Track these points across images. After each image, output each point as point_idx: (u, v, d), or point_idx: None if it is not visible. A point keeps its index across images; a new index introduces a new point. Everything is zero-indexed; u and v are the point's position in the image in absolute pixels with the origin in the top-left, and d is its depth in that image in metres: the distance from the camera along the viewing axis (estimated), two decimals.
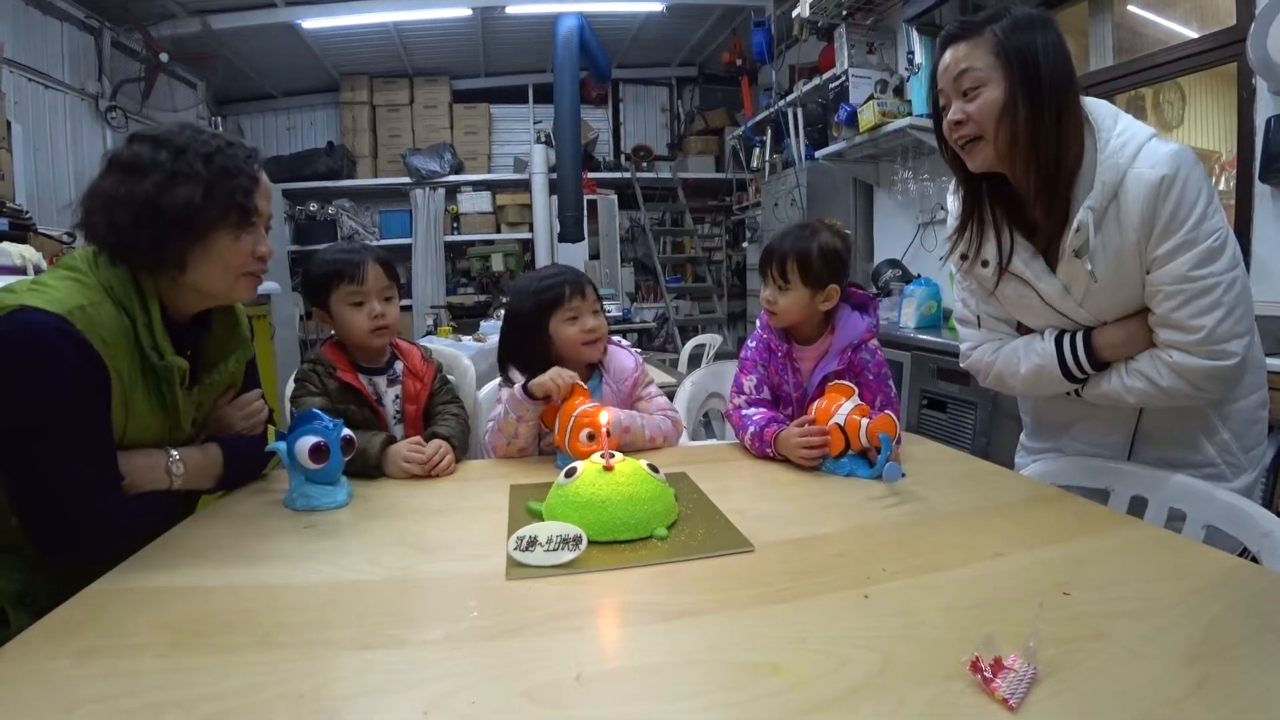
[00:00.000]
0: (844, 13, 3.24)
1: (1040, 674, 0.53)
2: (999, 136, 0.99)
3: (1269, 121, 1.85)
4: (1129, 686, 0.53)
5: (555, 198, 5.23)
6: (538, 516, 0.92)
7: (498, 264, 5.95)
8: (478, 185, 5.82)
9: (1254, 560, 0.87)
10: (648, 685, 0.55)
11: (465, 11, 4.48)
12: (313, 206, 5.34)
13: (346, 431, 1.03)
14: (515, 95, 6.07)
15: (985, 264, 1.12)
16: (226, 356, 1.05)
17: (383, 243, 5.59)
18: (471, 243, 5.92)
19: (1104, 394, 1.07)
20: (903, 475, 1.00)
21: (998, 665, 0.52)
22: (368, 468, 1.12)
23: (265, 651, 0.60)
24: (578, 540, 0.79)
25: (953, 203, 1.20)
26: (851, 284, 1.29)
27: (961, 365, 1.26)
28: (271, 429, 1.10)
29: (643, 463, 0.92)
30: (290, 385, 1.28)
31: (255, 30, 4.33)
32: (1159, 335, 1.00)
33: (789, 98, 4.20)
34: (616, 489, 0.85)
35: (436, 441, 1.19)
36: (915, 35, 2.80)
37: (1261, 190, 1.94)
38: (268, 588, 0.74)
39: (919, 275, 3.17)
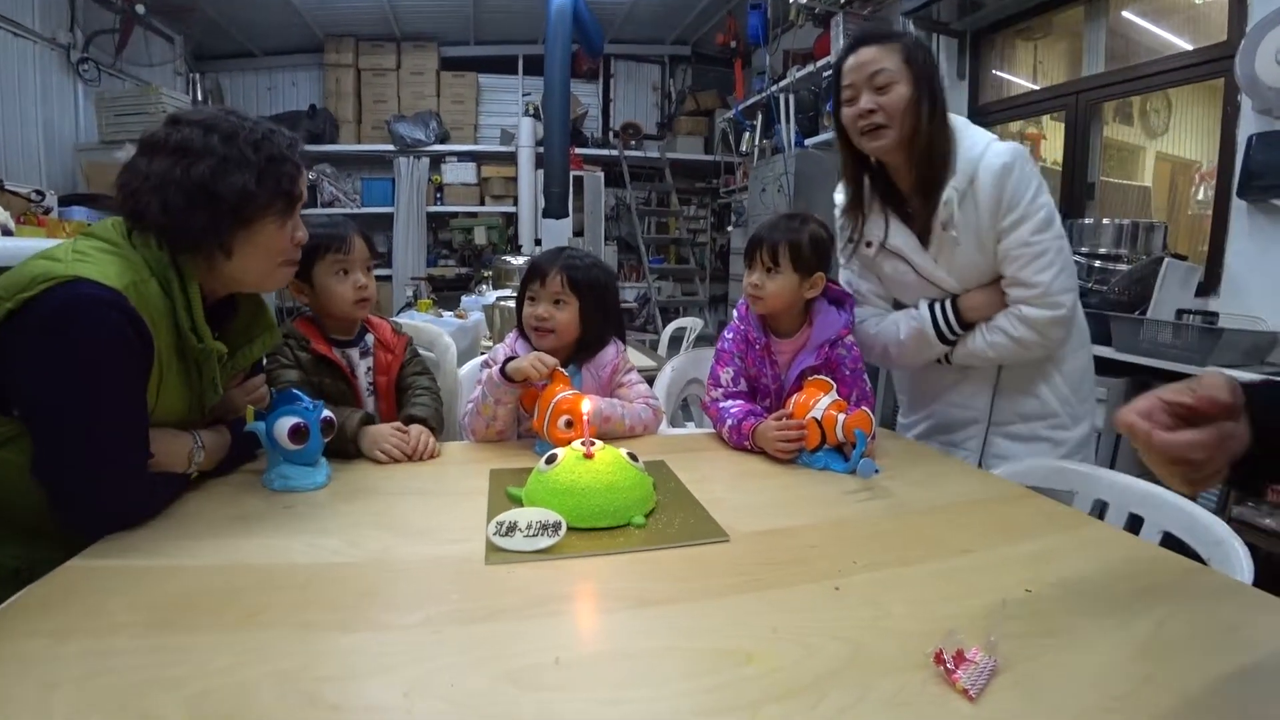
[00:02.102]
0: (842, 1, 3.22)
1: (999, 666, 0.56)
2: (904, 126, 1.19)
3: (1250, 139, 1.89)
4: (1080, 679, 0.56)
5: (541, 172, 5.17)
6: (517, 502, 0.93)
7: (480, 237, 5.88)
8: (463, 156, 5.73)
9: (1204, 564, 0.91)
10: (625, 670, 0.57)
11: None
12: None
13: (326, 413, 1.03)
14: (504, 66, 5.96)
15: (869, 244, 1.34)
16: (252, 340, 1.05)
17: (364, 211, 5.50)
18: (454, 214, 5.84)
19: (970, 353, 1.30)
20: (877, 471, 1.03)
21: (959, 658, 0.55)
22: (344, 444, 1.12)
23: (247, 632, 0.60)
24: (557, 527, 0.80)
25: (837, 196, 1.41)
26: (830, 281, 1.31)
27: (847, 339, 1.34)
28: (250, 409, 1.08)
29: (622, 451, 0.93)
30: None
31: None
32: (1009, 294, 1.24)
33: (782, 83, 4.19)
34: (596, 477, 0.86)
35: (418, 427, 1.19)
36: (912, 28, 2.79)
37: (1238, 205, 1.99)
38: (249, 568, 0.74)
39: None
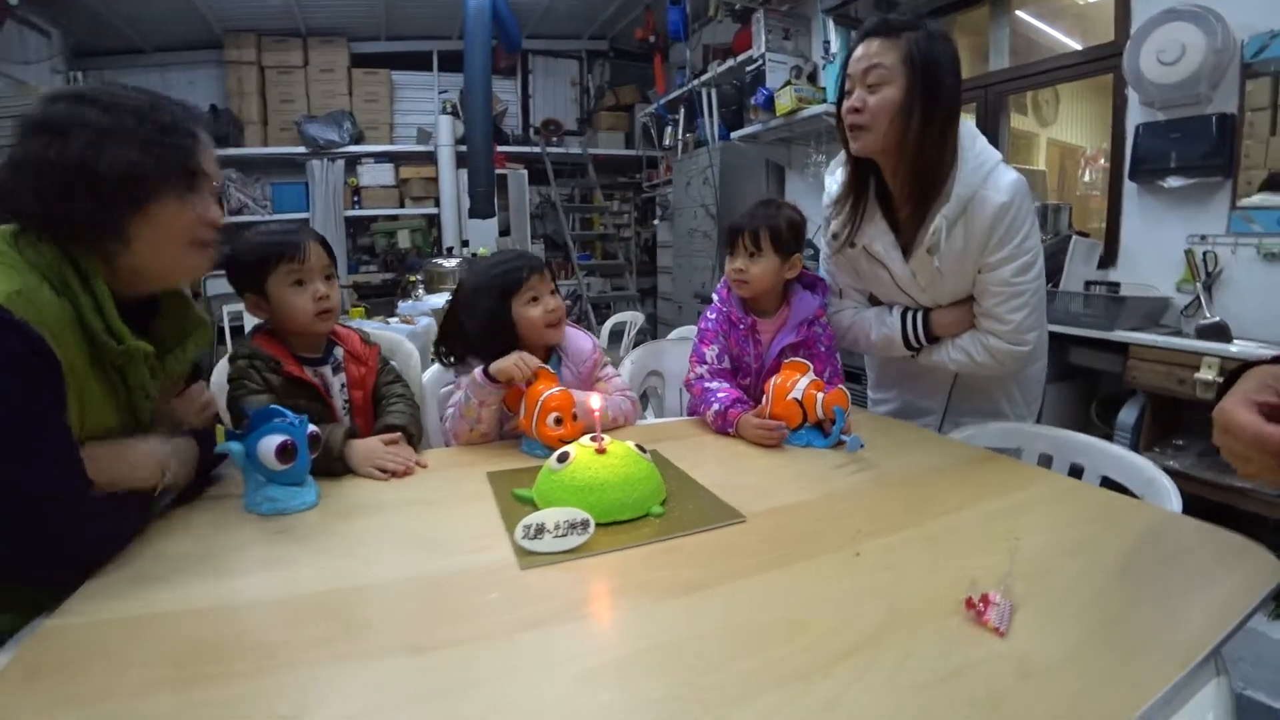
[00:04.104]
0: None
1: (1016, 605, 0.63)
2: (888, 132, 1.15)
3: (1138, 128, 2.12)
4: (1081, 608, 0.65)
5: (464, 171, 5.07)
6: (529, 503, 0.92)
7: (404, 240, 5.71)
8: (380, 157, 5.53)
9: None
10: (694, 654, 0.58)
11: None
12: None
13: (312, 427, 0.97)
14: (418, 62, 5.77)
15: (853, 245, 1.32)
16: (184, 340, 0.94)
17: (276, 217, 5.21)
18: (374, 218, 5.64)
19: (933, 360, 1.35)
20: (862, 446, 1.11)
21: (985, 601, 0.62)
22: (330, 463, 1.05)
23: (288, 673, 0.56)
24: (585, 524, 0.81)
25: (830, 182, 1.39)
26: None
27: (821, 319, 1.42)
28: (220, 428, 1.02)
29: (630, 443, 0.96)
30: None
31: None
32: (980, 322, 1.27)
33: (703, 77, 4.28)
34: (613, 471, 0.88)
35: (401, 442, 1.15)
36: (832, 25, 2.94)
37: (1130, 188, 2.23)
38: (261, 604, 0.68)
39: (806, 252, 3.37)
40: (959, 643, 0.58)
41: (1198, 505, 1.49)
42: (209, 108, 4.93)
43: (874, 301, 1.43)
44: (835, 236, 1.35)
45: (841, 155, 1.34)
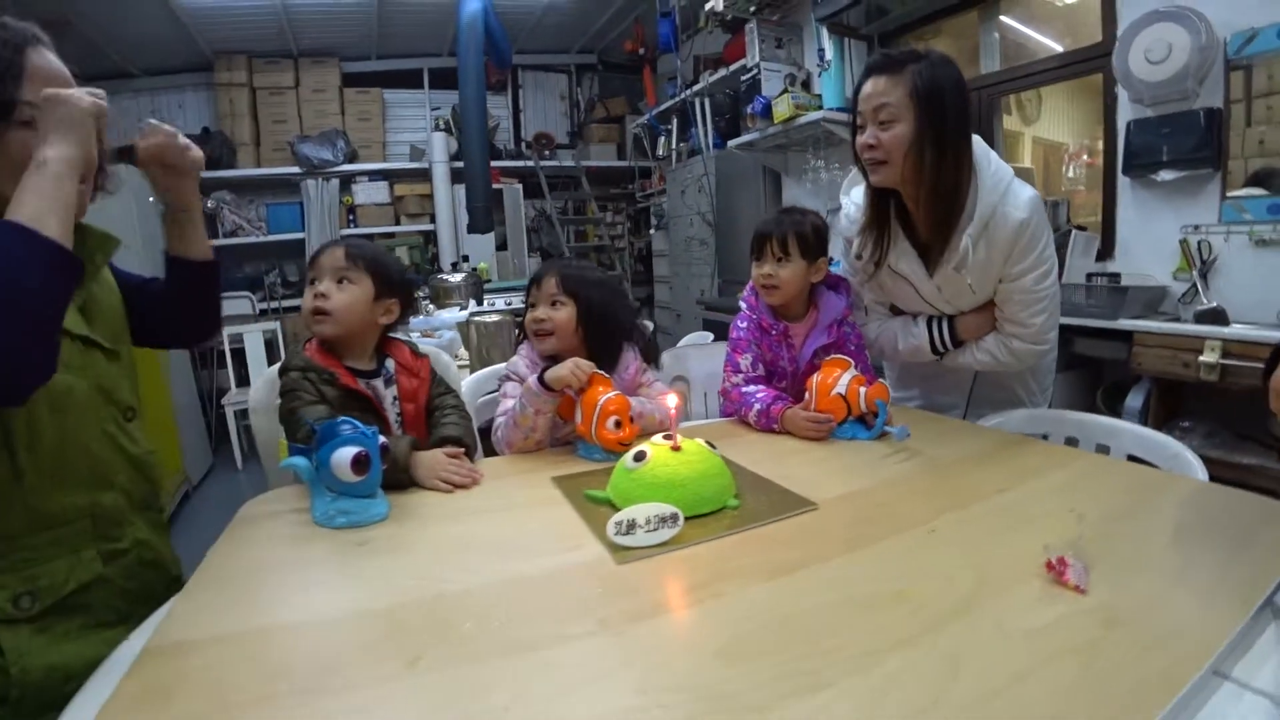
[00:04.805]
0: (752, 8, 3.43)
1: (1088, 566, 0.69)
2: (905, 165, 1.22)
3: (1129, 124, 2.23)
4: (1146, 565, 0.72)
5: (460, 187, 5.10)
6: (606, 504, 0.96)
7: (402, 257, 5.72)
8: (374, 175, 5.54)
9: None
10: (814, 626, 0.62)
11: None
12: None
13: (382, 439, 0.98)
14: (409, 80, 5.81)
15: (877, 265, 1.39)
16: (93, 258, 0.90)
17: (271, 239, 5.22)
18: (370, 236, 5.64)
19: (959, 363, 1.43)
20: (908, 435, 1.17)
21: (1063, 563, 0.68)
22: (396, 474, 1.04)
23: (396, 684, 0.56)
24: (674, 518, 0.84)
25: (848, 204, 1.46)
26: None
27: (850, 319, 1.48)
28: (282, 443, 1.04)
29: (700, 440, 1.01)
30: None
31: None
32: (1004, 327, 1.36)
33: (695, 88, 4.37)
34: (691, 466, 0.93)
35: (463, 455, 1.16)
36: (825, 33, 3.03)
37: (1123, 181, 2.33)
38: (356, 615, 0.68)
39: (831, 259, 3.46)
40: (1047, 600, 0.65)
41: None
42: (202, 130, 4.93)
43: (895, 311, 1.51)
44: (859, 258, 1.42)
45: (854, 174, 1.41)
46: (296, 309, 5.62)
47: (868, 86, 1.23)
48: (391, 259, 1.29)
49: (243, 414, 4.07)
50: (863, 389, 1.24)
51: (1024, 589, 0.67)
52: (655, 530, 0.84)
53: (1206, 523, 0.84)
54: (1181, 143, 2.09)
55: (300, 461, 0.94)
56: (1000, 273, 1.29)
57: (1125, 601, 0.64)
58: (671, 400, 1.06)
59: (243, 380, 4.41)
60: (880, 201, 1.35)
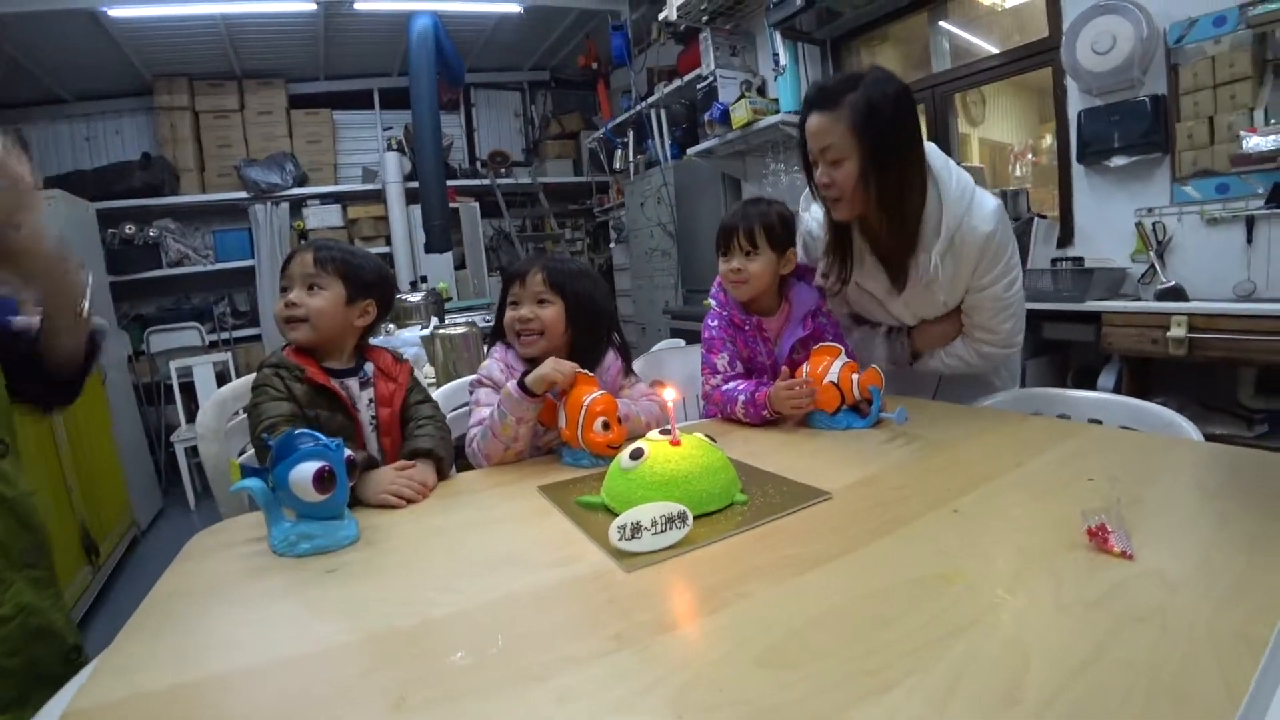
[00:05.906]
0: (705, 18, 3.45)
1: (1128, 531, 0.66)
2: (857, 199, 1.23)
3: (1080, 114, 2.29)
4: (1180, 526, 0.71)
5: (415, 208, 5.00)
6: (600, 508, 0.89)
7: None
8: (325, 198, 5.38)
9: None
10: (859, 619, 0.57)
11: (309, 6, 4.10)
12: (129, 229, 4.61)
13: (348, 451, 0.88)
14: (358, 101, 5.69)
15: (844, 282, 1.40)
16: None
17: (220, 267, 5.00)
18: None
19: (930, 367, 1.46)
20: (906, 419, 1.14)
21: (1104, 530, 0.64)
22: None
23: (415, 717, 0.48)
24: (683, 517, 0.77)
25: (809, 220, 1.46)
26: None
27: (824, 308, 1.47)
28: (234, 463, 0.94)
29: (699, 435, 0.95)
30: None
31: (43, 18, 3.56)
32: (973, 333, 1.37)
33: (650, 100, 4.37)
34: (694, 462, 0.86)
35: (422, 463, 1.09)
36: (779, 39, 3.06)
37: (1078, 169, 2.40)
38: (346, 648, 0.59)
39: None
40: (1097, 569, 0.61)
41: None
42: (141, 155, 4.71)
43: (857, 320, 1.54)
44: (825, 277, 1.41)
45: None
46: (248, 339, 5.44)
47: (811, 123, 1.22)
48: (365, 258, 1.23)
49: (194, 451, 3.84)
50: (855, 376, 1.21)
51: (1069, 560, 0.63)
52: (663, 532, 0.76)
53: (1229, 481, 0.82)
54: (1131, 129, 2.16)
55: (254, 483, 0.82)
56: (968, 283, 1.31)
57: (1177, 564, 0.61)
58: (669, 394, 0.99)
59: (193, 416, 4.18)
60: (840, 228, 1.35)
